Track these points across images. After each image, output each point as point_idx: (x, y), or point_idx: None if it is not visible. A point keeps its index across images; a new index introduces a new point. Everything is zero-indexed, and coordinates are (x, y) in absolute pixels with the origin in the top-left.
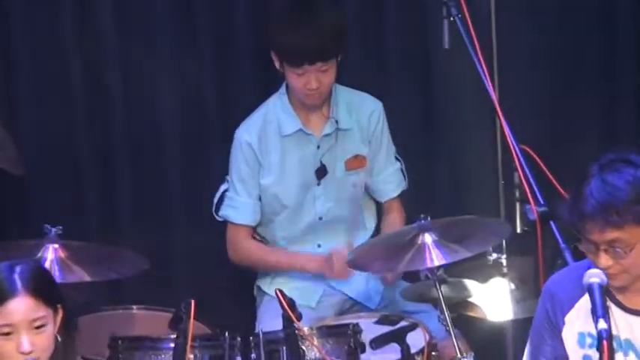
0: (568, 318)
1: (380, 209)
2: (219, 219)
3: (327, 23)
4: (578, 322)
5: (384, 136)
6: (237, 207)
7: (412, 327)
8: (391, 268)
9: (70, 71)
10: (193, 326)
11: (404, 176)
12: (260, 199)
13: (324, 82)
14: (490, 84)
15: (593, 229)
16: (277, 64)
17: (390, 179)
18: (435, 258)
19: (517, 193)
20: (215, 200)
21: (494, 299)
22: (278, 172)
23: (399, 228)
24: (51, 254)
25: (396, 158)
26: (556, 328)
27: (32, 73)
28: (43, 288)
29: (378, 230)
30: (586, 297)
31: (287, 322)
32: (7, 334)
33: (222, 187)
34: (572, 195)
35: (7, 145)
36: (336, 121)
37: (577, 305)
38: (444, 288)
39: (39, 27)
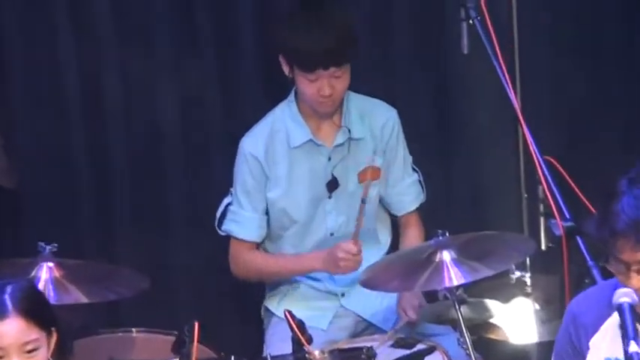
0: (593, 342)
1: (395, 223)
2: (222, 234)
3: (341, 26)
4: (603, 346)
5: (400, 146)
6: (241, 221)
7: (430, 350)
8: (408, 288)
9: (68, 74)
10: (197, 350)
11: (422, 188)
12: (267, 213)
13: (338, 89)
14: (512, 91)
15: (625, 247)
16: (286, 70)
17: (407, 191)
18: (454, 277)
19: (541, 207)
20: (218, 214)
21: (517, 320)
22: (286, 185)
23: (418, 244)
24: (45, 273)
25: (414, 169)
26: (579, 353)
27: (29, 73)
28: (36, 309)
29: (393, 246)
30: (612, 319)
31: (296, 345)
32: None
33: (226, 201)
34: (600, 211)
35: None
36: (349, 130)
37: (602, 328)
38: (463, 309)
39: (35, 27)
